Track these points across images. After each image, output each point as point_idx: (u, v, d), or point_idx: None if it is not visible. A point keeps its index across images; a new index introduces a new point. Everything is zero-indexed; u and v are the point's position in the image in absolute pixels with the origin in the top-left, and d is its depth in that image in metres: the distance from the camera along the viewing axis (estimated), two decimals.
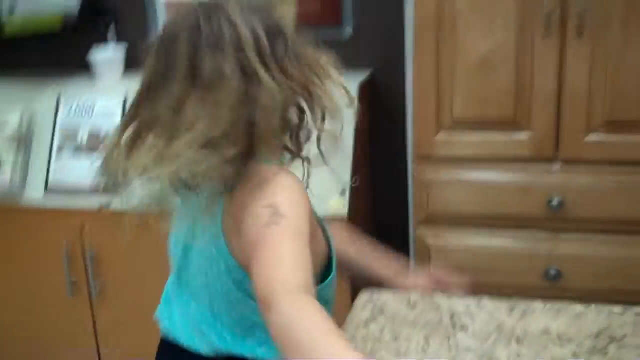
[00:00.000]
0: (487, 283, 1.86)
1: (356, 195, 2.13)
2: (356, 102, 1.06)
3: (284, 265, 0.83)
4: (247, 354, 1.07)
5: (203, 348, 1.09)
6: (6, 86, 2.48)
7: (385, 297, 1.31)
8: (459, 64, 1.80)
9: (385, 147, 2.40)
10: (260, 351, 1.06)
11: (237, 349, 1.07)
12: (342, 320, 2.02)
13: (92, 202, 2.24)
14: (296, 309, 0.77)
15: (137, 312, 2.27)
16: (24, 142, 2.37)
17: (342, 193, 2.07)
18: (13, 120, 2.37)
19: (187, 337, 1.11)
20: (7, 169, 2.33)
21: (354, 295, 2.10)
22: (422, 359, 1.13)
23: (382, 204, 2.45)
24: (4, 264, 2.42)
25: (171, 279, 1.19)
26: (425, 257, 1.93)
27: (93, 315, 2.36)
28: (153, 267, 2.18)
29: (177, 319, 1.14)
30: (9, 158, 2.34)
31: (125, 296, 2.33)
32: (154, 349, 1.22)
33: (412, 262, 2.16)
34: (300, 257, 0.85)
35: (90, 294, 2.33)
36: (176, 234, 1.13)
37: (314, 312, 0.77)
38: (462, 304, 1.27)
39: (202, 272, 1.07)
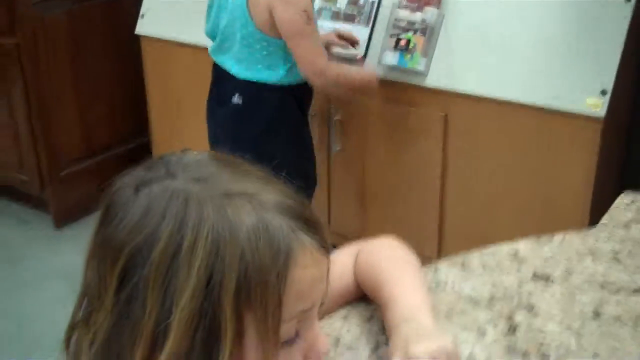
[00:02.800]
0: None
1: (616, 97, 2.00)
2: None
3: None
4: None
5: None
6: None
7: None
8: None
9: None
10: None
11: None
12: (576, 221, 1.96)
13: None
14: None
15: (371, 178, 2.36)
16: None
17: (603, 93, 1.95)
18: None
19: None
20: None
21: (595, 195, 2.02)
22: None
23: None
24: None
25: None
26: None
27: (328, 175, 2.48)
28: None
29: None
30: None
31: (361, 162, 2.41)
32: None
33: None
34: None
35: (329, 156, 2.44)
36: None
37: None
38: None
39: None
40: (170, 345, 0.64)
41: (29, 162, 2.86)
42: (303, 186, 2.13)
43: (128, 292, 0.66)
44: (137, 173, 0.72)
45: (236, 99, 2.04)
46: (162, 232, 0.65)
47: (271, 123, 2.05)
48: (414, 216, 2.37)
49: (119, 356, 0.68)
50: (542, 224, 2.08)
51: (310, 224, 0.70)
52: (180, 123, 2.79)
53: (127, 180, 0.71)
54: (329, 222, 2.56)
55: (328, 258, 0.73)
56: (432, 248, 2.33)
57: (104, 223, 0.70)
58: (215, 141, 2.18)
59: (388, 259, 0.97)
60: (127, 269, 0.66)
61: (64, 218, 2.90)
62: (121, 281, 0.66)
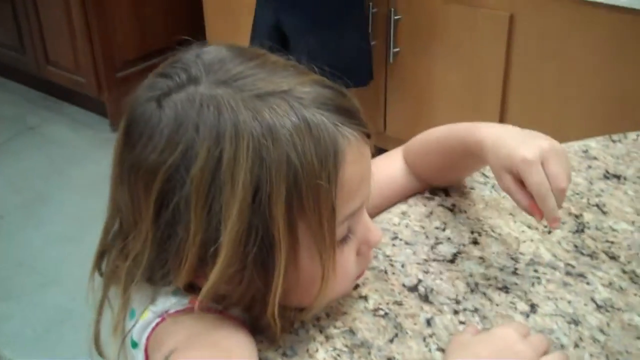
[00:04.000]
0: None
1: None
2: None
3: None
4: None
5: None
6: None
7: None
8: None
9: None
10: None
11: None
12: None
13: None
14: None
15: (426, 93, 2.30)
16: None
17: None
18: None
19: None
20: None
21: None
22: None
23: None
24: None
25: None
26: None
27: (385, 79, 2.42)
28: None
29: None
30: None
31: (420, 64, 2.34)
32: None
33: None
34: None
35: (387, 58, 2.37)
36: None
37: None
38: None
39: None
40: (219, 266, 0.60)
41: (85, 62, 2.86)
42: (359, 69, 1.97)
43: (168, 217, 0.61)
44: (154, 82, 0.65)
45: None
46: (199, 147, 0.59)
47: None
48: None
49: (163, 279, 0.65)
50: (614, 130, 1.99)
51: (350, 114, 0.65)
52: (236, 25, 2.73)
53: (145, 92, 0.65)
54: (385, 127, 2.51)
55: (369, 144, 0.68)
56: None
57: (128, 145, 0.64)
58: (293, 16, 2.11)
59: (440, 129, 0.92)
60: (165, 192, 0.61)
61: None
62: (159, 207, 0.62)
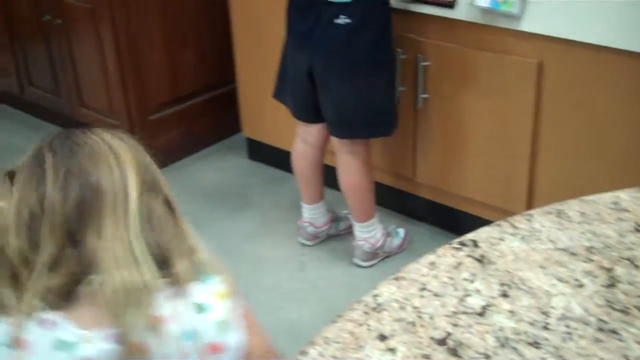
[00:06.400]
0: None
1: None
2: None
3: None
4: None
5: None
6: None
7: None
8: None
9: None
10: None
11: None
12: None
13: None
14: None
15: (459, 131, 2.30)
16: None
17: None
18: None
19: None
20: None
21: None
22: None
23: None
24: None
25: None
26: None
27: (414, 124, 2.43)
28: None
29: None
30: None
31: (448, 111, 2.34)
32: None
33: None
34: None
35: (415, 104, 2.38)
36: None
37: None
38: None
39: None
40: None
41: (118, 105, 2.91)
42: (388, 118, 2.05)
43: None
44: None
45: (342, 20, 2.08)
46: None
47: (379, 39, 2.15)
48: (503, 170, 2.29)
49: None
50: None
51: None
52: (266, 72, 2.77)
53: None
54: (414, 173, 2.51)
55: None
56: (520, 204, 2.25)
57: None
58: (326, 62, 2.16)
59: None
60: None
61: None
62: None
